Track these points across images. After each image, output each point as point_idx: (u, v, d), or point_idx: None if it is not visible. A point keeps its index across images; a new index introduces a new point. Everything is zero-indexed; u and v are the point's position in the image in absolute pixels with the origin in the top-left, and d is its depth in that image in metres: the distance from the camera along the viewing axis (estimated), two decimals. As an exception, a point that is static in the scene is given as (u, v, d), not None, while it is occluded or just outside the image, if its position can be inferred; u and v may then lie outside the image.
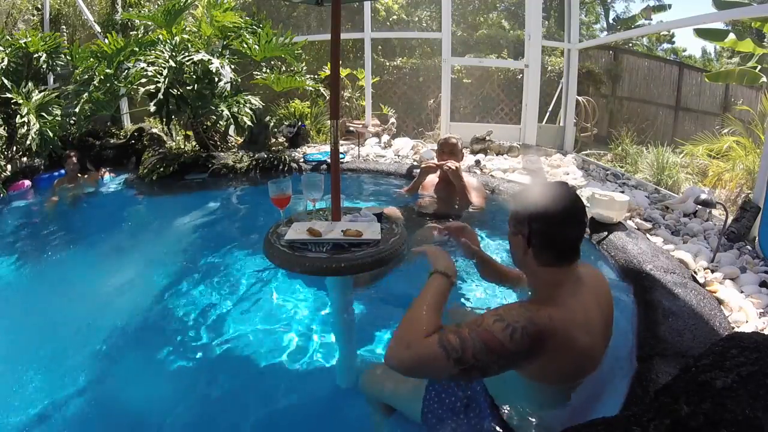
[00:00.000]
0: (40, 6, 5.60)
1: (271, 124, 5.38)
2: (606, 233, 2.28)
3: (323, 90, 4.39)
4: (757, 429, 0.72)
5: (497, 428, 1.10)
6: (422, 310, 1.05)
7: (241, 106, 3.84)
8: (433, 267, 1.17)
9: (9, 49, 3.93)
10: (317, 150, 4.64)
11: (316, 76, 5.24)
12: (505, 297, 1.77)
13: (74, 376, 1.38)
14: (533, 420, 1.12)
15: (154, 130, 4.96)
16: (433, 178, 2.78)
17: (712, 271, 1.96)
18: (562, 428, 0.99)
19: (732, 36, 5.45)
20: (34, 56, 4.07)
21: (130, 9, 5.30)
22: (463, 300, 1.82)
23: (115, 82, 3.64)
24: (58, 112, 3.82)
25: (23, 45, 3.97)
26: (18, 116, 3.58)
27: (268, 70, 4.26)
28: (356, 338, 1.47)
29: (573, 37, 4.89)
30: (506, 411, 1.13)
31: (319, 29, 7.49)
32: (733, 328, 1.54)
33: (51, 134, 3.64)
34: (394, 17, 8.27)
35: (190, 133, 4.84)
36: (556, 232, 1.10)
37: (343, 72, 6.29)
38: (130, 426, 1.20)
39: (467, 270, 1.95)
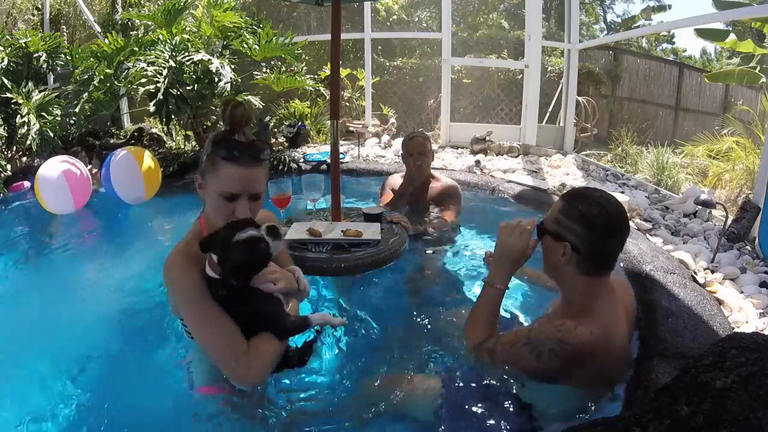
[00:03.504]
0: (40, 6, 5.60)
1: (271, 124, 5.38)
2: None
3: (323, 90, 4.39)
4: (757, 429, 0.72)
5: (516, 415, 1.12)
6: (475, 321, 1.26)
7: (241, 106, 3.83)
8: (488, 278, 1.28)
9: (9, 49, 3.93)
10: (317, 150, 4.64)
11: (316, 76, 5.24)
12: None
13: (73, 377, 1.37)
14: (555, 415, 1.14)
15: (154, 130, 4.96)
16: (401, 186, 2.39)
17: (712, 272, 1.96)
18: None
19: (732, 36, 5.46)
20: (34, 56, 4.06)
21: (130, 9, 5.30)
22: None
23: (115, 82, 3.64)
24: (58, 112, 3.82)
25: (23, 45, 3.96)
26: (18, 116, 3.58)
27: (268, 70, 4.26)
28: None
29: (573, 38, 4.89)
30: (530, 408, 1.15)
31: (319, 29, 7.49)
32: (733, 328, 1.54)
33: (51, 134, 3.64)
34: (394, 17, 8.27)
35: (190, 133, 4.84)
36: (607, 243, 1.09)
37: (343, 72, 6.29)
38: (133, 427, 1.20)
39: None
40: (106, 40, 3.70)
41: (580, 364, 1.05)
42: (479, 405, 1.14)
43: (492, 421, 1.11)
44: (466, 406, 1.14)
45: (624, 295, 1.23)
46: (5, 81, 3.71)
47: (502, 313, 1.51)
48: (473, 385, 1.19)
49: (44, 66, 4.12)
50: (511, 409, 1.13)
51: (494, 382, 1.19)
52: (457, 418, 1.13)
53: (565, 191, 1.24)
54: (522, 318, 1.60)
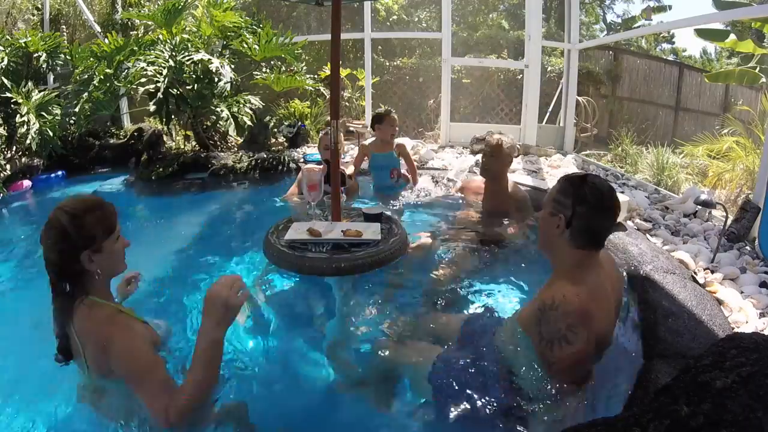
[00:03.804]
0: (40, 6, 5.60)
1: (271, 124, 5.38)
2: (606, 233, 2.28)
3: (323, 90, 4.39)
4: (757, 429, 0.72)
5: (503, 395, 1.16)
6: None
7: (241, 106, 3.84)
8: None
9: (9, 48, 3.93)
10: (317, 150, 4.64)
11: (316, 76, 5.24)
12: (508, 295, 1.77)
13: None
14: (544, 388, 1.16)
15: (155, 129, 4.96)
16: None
17: (712, 272, 1.96)
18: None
19: (732, 36, 5.45)
20: (34, 56, 4.07)
21: (130, 9, 5.30)
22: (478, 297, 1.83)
23: (115, 82, 3.64)
24: (58, 111, 3.82)
25: (23, 45, 3.97)
26: (18, 116, 3.58)
27: (268, 70, 4.26)
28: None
29: (573, 38, 4.89)
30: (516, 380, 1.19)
31: (319, 29, 7.49)
32: (733, 328, 1.54)
33: (51, 134, 3.65)
34: (394, 17, 8.27)
35: (190, 133, 4.84)
36: (597, 218, 1.19)
37: (343, 72, 6.28)
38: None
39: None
40: (106, 40, 3.70)
41: (586, 323, 1.10)
42: (471, 388, 1.18)
43: (482, 401, 1.16)
44: (458, 388, 1.18)
45: (611, 271, 1.31)
46: (5, 81, 3.72)
47: (492, 304, 1.60)
48: (465, 367, 1.23)
49: (44, 66, 4.12)
50: (502, 394, 1.16)
51: (485, 364, 1.23)
52: (448, 396, 1.17)
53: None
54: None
